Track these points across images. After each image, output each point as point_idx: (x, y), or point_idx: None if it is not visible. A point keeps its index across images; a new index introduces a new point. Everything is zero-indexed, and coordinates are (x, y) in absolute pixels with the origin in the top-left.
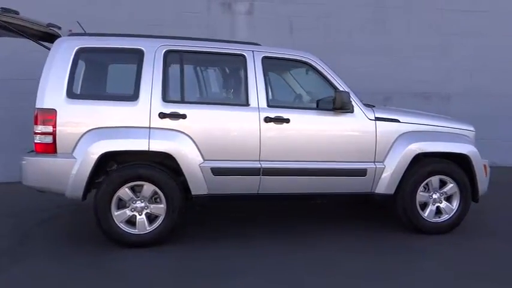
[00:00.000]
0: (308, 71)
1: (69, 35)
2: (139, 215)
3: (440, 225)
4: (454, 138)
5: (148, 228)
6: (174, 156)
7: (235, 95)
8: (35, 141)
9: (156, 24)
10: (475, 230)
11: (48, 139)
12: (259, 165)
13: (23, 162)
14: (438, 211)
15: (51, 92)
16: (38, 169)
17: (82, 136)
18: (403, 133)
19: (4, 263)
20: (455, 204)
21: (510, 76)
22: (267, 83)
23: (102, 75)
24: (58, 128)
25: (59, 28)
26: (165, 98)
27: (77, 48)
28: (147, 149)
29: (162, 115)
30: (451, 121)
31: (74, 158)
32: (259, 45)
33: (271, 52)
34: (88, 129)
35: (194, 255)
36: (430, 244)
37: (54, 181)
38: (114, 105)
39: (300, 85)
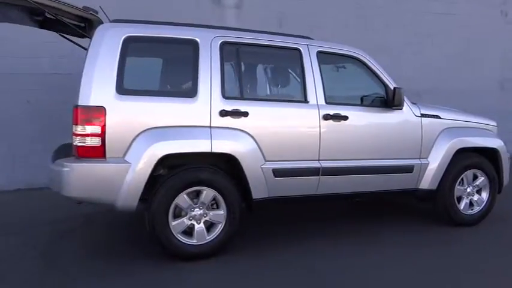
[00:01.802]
0: (339, 67)
1: (112, 21)
2: (198, 223)
3: (473, 217)
4: (485, 133)
5: (207, 237)
6: (237, 157)
7: (293, 91)
8: (76, 143)
9: (145, 14)
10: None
11: (96, 141)
12: (319, 165)
13: (65, 169)
14: (470, 203)
15: (99, 87)
16: (85, 177)
17: (136, 137)
18: (444, 129)
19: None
20: (485, 196)
21: (473, 74)
22: (323, 78)
23: (153, 68)
24: (108, 129)
25: (96, 12)
26: (225, 94)
27: (124, 36)
28: (209, 151)
29: (224, 113)
30: (478, 117)
31: (128, 162)
32: (311, 38)
33: (325, 47)
34: (143, 129)
35: (267, 263)
36: (471, 236)
37: (104, 190)
38: (171, 102)
39: (347, 81)
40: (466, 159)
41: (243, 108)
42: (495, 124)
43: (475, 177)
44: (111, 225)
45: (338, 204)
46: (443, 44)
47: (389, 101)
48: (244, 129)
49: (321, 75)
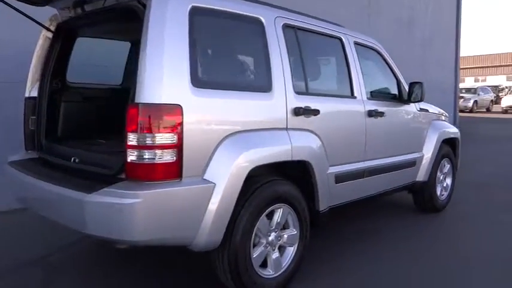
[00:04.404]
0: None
1: None
2: (273, 250)
3: (443, 203)
4: (449, 123)
5: (283, 265)
6: (312, 164)
7: (341, 86)
8: (134, 160)
9: None
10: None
11: (169, 156)
12: (364, 165)
13: (132, 201)
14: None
15: (170, 78)
16: (161, 210)
17: (218, 146)
18: (431, 122)
19: None
20: (449, 182)
21: None
22: (363, 72)
23: (221, 51)
24: (186, 136)
25: None
26: (295, 89)
27: (190, 7)
28: (290, 159)
29: (301, 111)
30: (439, 108)
31: (210, 182)
32: (342, 26)
33: (357, 37)
34: (225, 134)
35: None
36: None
37: (182, 226)
38: (249, 98)
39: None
40: (442, 149)
41: (313, 106)
42: (447, 114)
43: (443, 165)
44: (90, 271)
45: None
46: None
47: (403, 96)
48: (313, 130)
49: (361, 68)
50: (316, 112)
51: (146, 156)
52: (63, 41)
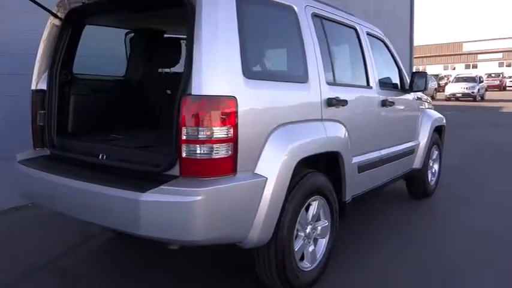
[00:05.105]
0: None
1: None
2: (309, 242)
3: (432, 188)
4: (435, 111)
5: (317, 257)
6: (342, 155)
7: (359, 76)
8: (191, 156)
9: None
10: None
11: (224, 150)
12: (380, 154)
13: (195, 199)
14: None
15: (224, 68)
16: (219, 207)
17: (267, 139)
18: (424, 110)
19: None
20: (437, 167)
21: None
22: (376, 61)
23: (265, 41)
24: (240, 129)
25: None
26: (326, 79)
27: None
28: (326, 150)
29: (334, 102)
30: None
31: (262, 176)
32: (352, 15)
33: (367, 27)
34: (273, 127)
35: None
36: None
37: (237, 222)
38: (292, 89)
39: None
40: (433, 137)
41: (342, 96)
42: (431, 101)
43: (433, 152)
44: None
45: None
46: None
47: (404, 85)
48: (341, 121)
49: (374, 58)
50: (344, 103)
51: (203, 152)
52: (73, 29)
